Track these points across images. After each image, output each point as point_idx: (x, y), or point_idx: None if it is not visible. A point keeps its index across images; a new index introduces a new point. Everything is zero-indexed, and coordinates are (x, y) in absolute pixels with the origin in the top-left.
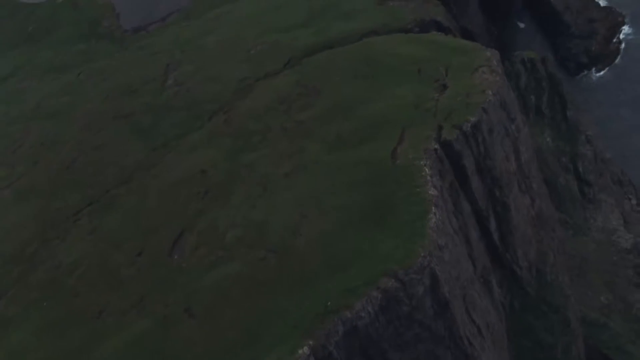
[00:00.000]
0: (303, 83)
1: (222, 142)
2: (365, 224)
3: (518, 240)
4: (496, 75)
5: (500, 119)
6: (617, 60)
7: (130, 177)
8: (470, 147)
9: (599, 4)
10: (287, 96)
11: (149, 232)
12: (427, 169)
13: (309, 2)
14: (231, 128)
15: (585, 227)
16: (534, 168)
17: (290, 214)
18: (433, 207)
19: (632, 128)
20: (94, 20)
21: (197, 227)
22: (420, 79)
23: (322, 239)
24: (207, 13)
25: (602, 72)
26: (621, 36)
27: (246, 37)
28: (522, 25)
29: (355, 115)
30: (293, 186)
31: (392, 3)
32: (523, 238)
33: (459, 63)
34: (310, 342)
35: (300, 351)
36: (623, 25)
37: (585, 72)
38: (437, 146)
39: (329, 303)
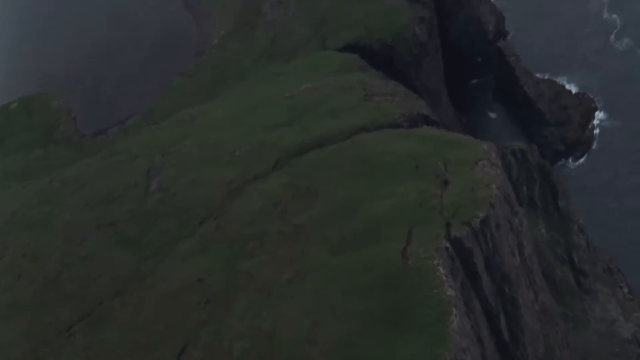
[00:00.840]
0: (296, 184)
1: (216, 249)
2: (382, 329)
3: (527, 337)
4: (497, 169)
5: (505, 213)
6: (593, 147)
7: (123, 289)
8: (479, 244)
9: (570, 91)
10: (281, 199)
11: (149, 348)
12: (440, 269)
13: (288, 101)
14: (224, 234)
15: (585, 319)
16: (535, 261)
17: (300, 321)
18: (453, 309)
19: (614, 215)
20: (50, 125)
21: (201, 340)
22: (419, 176)
23: (338, 347)
24: (174, 114)
25: (580, 160)
26: (596, 122)
27: (228, 139)
28: (493, 115)
29: (357, 216)
30: (299, 292)
31: (377, 98)
32: (532, 334)
33: (456, 157)
34: None
35: None
36: (596, 111)
37: (563, 160)
38: (447, 244)
39: None
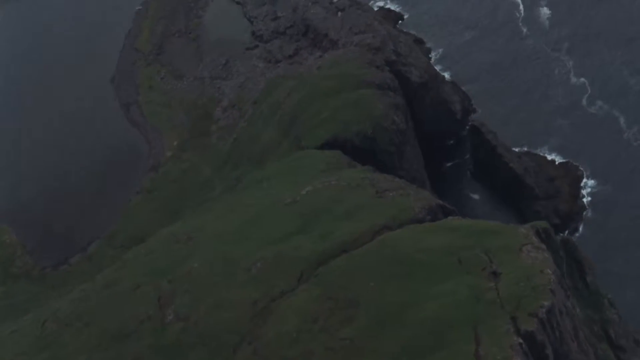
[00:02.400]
0: (331, 296)
1: None
2: None
3: None
4: (544, 252)
5: (561, 298)
6: (588, 215)
7: None
8: (547, 335)
9: (553, 161)
10: (318, 313)
11: None
12: None
13: (292, 207)
14: (264, 358)
15: None
16: (585, 343)
17: None
18: None
19: (626, 281)
20: (4, 261)
21: None
22: (465, 270)
23: None
24: (155, 233)
25: (579, 231)
26: (586, 191)
27: (238, 255)
28: (475, 196)
29: (409, 321)
30: None
31: (390, 194)
32: None
33: (497, 245)
34: None
35: None
36: (584, 178)
37: (561, 234)
38: (520, 340)
39: None
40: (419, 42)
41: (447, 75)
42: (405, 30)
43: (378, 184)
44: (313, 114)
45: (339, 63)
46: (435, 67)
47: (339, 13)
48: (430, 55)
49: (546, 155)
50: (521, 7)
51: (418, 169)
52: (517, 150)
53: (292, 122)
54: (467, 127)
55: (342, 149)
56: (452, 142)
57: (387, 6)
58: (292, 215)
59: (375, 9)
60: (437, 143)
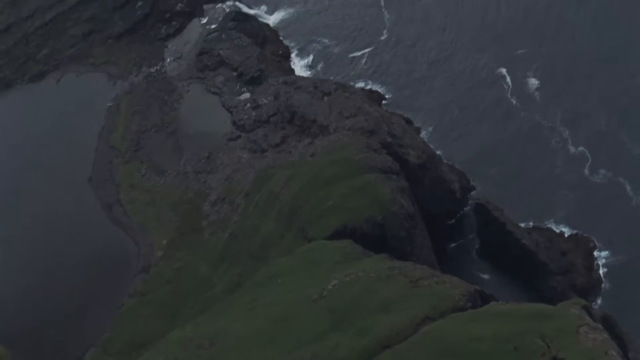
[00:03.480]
0: None
1: None
2: None
3: None
4: (602, 333)
5: None
6: (606, 287)
7: None
8: None
9: (563, 234)
10: None
11: None
12: None
13: (320, 304)
14: None
15: None
16: None
17: None
18: None
19: None
20: None
21: None
22: (523, 358)
23: None
24: (163, 339)
25: (597, 304)
26: (600, 262)
27: None
28: (485, 276)
29: None
30: None
31: (425, 282)
32: None
33: (551, 329)
34: None
35: None
36: (596, 249)
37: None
38: None
39: None
40: (407, 121)
41: (439, 153)
42: (390, 111)
43: (409, 272)
44: (317, 203)
45: (335, 149)
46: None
47: (325, 97)
48: (420, 135)
49: (554, 228)
50: (508, 79)
51: (428, 252)
52: (523, 225)
53: (293, 213)
54: (468, 206)
55: (351, 237)
56: (452, 221)
57: (369, 87)
58: (322, 311)
59: None
60: (438, 224)
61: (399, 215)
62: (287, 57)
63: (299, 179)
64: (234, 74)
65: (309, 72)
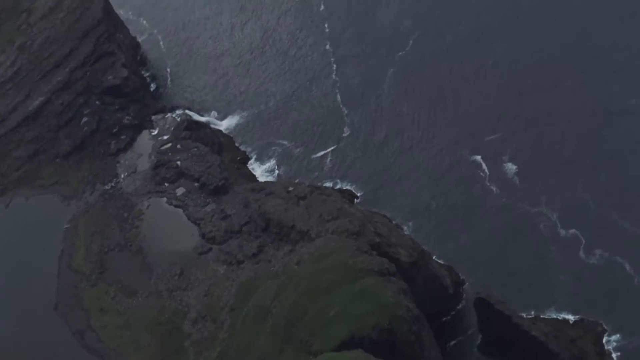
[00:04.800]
0: None
1: None
2: None
3: None
4: None
5: None
6: None
7: None
8: None
9: (568, 321)
10: None
11: None
12: None
13: None
14: None
15: None
16: None
17: None
18: None
19: None
20: None
21: None
22: None
23: None
24: None
25: None
26: (611, 346)
27: None
28: None
29: None
30: None
31: None
32: None
33: None
34: None
35: None
36: (606, 334)
37: None
38: None
39: None
40: (386, 218)
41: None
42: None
43: None
44: (318, 313)
45: (323, 255)
46: None
47: (301, 202)
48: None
49: (557, 316)
50: (484, 165)
51: (436, 354)
52: (524, 315)
53: (291, 325)
54: (463, 300)
55: (360, 346)
56: (447, 318)
57: (338, 186)
58: None
59: None
60: (433, 321)
61: (407, 318)
62: (246, 163)
63: (291, 289)
64: (196, 184)
65: (271, 177)
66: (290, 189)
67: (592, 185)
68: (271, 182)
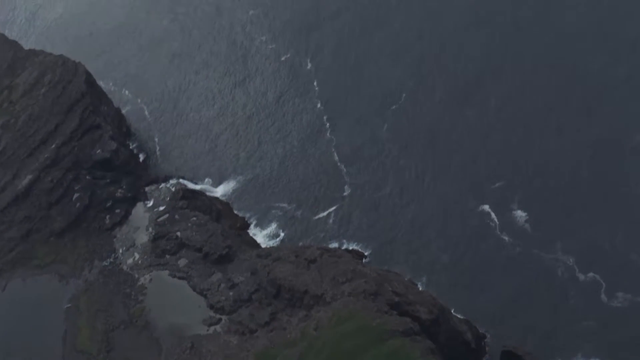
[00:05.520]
0: None
1: None
2: None
3: None
4: None
5: None
6: None
7: None
8: None
9: None
10: None
11: None
12: None
13: None
14: None
15: None
16: None
17: None
18: None
19: None
20: None
21: None
22: None
23: None
24: None
25: None
26: None
27: None
28: None
29: None
30: None
31: None
32: None
33: None
34: None
35: None
36: None
37: None
38: None
39: None
40: (400, 276)
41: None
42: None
43: None
44: None
45: (344, 318)
46: None
47: (311, 265)
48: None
49: None
50: (493, 215)
51: None
52: None
53: None
54: (487, 354)
55: None
56: None
57: (344, 247)
58: None
59: None
60: None
61: None
62: (246, 229)
63: (314, 356)
64: (199, 254)
65: (274, 242)
66: (299, 252)
67: (607, 226)
68: (278, 247)
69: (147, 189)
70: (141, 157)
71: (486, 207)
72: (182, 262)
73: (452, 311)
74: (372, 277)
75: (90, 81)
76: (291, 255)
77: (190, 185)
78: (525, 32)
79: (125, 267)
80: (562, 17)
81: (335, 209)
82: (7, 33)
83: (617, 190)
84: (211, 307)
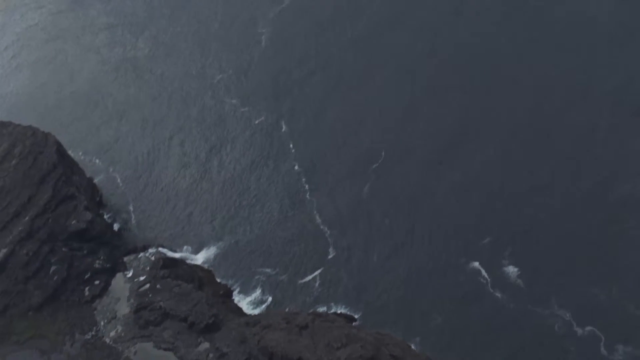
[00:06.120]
0: None
1: None
2: None
3: None
4: None
5: None
6: None
7: None
8: None
9: None
10: None
11: None
12: None
13: None
14: None
15: None
16: None
17: None
18: None
19: None
20: None
21: None
22: None
23: None
24: None
25: None
26: None
27: None
28: None
29: None
30: None
31: None
32: None
33: None
34: None
35: None
36: None
37: None
38: None
39: None
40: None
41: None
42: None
43: None
44: None
45: None
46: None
47: (303, 331)
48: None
49: None
50: (483, 272)
51: None
52: None
53: None
54: None
55: None
56: None
57: (332, 310)
58: None
59: None
60: None
61: None
62: (230, 296)
63: None
64: (184, 324)
65: (259, 308)
66: (289, 318)
67: (601, 278)
68: (267, 314)
69: (125, 259)
70: (116, 226)
71: (476, 264)
72: (167, 333)
73: None
74: (368, 341)
75: (61, 151)
76: (281, 322)
77: (170, 254)
78: (505, 88)
79: (108, 340)
80: (542, 72)
81: (320, 272)
82: None
83: (610, 241)
84: None
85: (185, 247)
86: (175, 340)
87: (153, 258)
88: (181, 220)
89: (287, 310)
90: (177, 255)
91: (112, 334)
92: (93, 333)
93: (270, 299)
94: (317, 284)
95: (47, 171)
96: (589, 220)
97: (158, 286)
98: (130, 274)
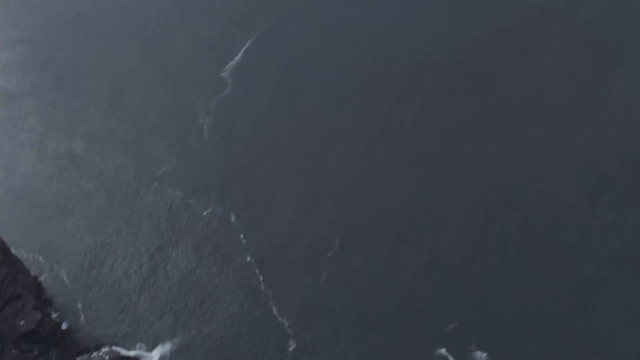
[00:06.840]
0: None
1: None
2: None
3: None
4: None
5: None
6: None
7: None
8: None
9: None
10: None
11: None
12: None
13: None
14: None
15: None
16: None
17: None
18: None
19: None
20: None
21: None
22: None
23: None
24: None
25: None
26: None
27: None
28: None
29: None
30: None
31: None
32: None
33: None
34: None
35: None
36: None
37: None
38: None
39: None
40: None
41: None
42: None
43: None
44: None
45: None
46: None
47: None
48: None
49: None
50: (451, 359)
51: None
52: None
53: None
54: None
55: None
56: None
57: None
58: None
59: None
60: None
61: None
62: None
63: None
64: None
65: None
66: None
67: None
68: None
69: (78, 359)
70: (64, 325)
71: (443, 351)
72: None
73: None
74: None
75: (5, 249)
76: None
77: (124, 352)
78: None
79: None
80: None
81: None
82: None
83: (579, 319)
84: None
85: (138, 345)
86: None
87: (107, 357)
88: (132, 316)
89: None
90: (131, 353)
91: None
92: None
93: None
94: None
95: None
96: (556, 300)
97: None
98: None
